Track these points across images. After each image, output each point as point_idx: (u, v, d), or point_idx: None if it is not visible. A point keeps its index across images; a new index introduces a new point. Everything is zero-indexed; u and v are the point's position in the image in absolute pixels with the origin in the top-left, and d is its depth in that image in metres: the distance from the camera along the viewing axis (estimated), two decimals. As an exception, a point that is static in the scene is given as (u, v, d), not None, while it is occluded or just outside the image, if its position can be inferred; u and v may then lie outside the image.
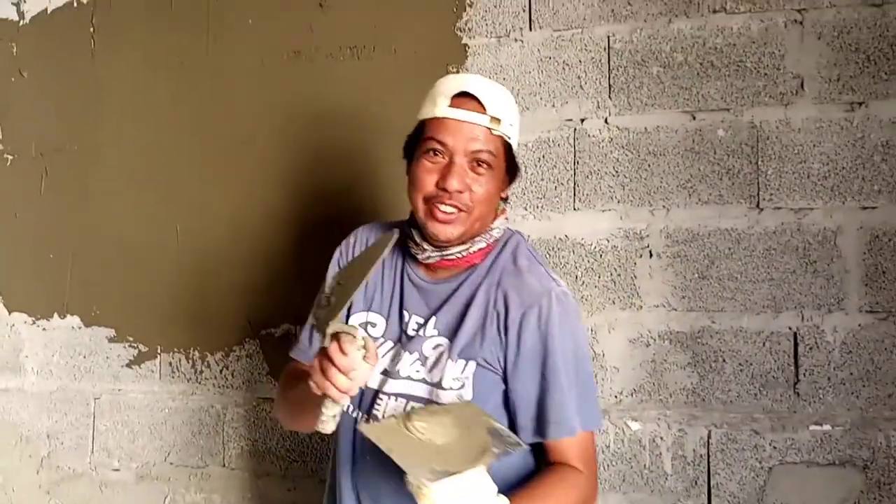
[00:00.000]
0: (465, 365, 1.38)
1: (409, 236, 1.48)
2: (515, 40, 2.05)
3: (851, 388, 1.82)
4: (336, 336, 1.19)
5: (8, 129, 2.51)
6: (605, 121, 1.98)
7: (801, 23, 1.86)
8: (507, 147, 1.43)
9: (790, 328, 1.86)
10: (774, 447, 1.86)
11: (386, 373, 1.43)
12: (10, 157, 2.50)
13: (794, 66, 1.87)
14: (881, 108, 1.82)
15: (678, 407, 1.92)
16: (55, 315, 2.44)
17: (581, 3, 2.00)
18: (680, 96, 1.94)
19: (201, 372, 2.30)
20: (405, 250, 1.50)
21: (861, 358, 1.82)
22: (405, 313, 1.48)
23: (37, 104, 2.48)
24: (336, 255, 1.61)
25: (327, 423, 1.24)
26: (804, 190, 1.86)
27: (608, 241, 1.98)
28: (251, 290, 2.26)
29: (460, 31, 2.09)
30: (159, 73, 2.35)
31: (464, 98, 1.38)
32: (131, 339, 2.36)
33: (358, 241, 1.59)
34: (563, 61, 2.02)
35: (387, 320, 1.49)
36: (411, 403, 1.39)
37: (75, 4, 2.44)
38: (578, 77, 2.00)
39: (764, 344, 1.87)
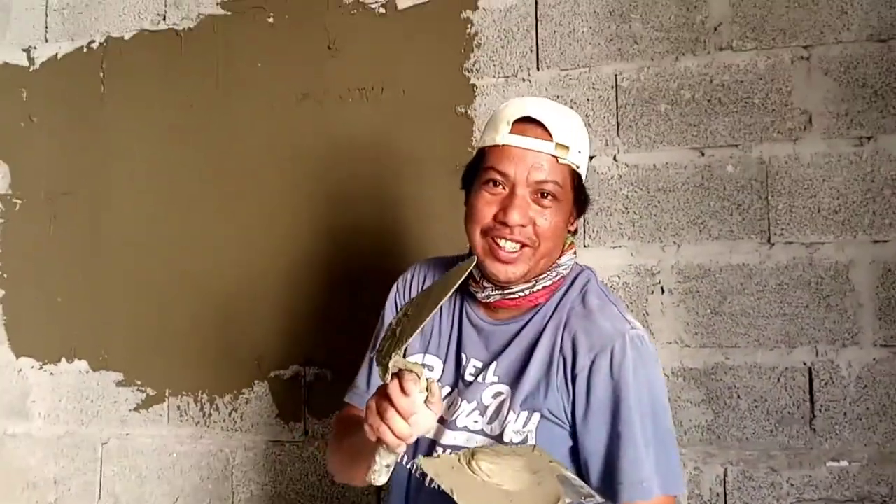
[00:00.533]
0: (529, 417, 1.25)
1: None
2: (523, 80, 2.06)
3: (868, 424, 1.80)
4: (397, 374, 1.09)
5: (18, 173, 2.51)
6: (614, 158, 1.99)
7: (807, 59, 1.88)
8: (576, 176, 1.31)
9: (805, 363, 1.85)
10: (792, 484, 1.83)
11: (442, 421, 1.31)
12: (19, 202, 2.50)
13: (801, 101, 1.88)
14: (890, 143, 1.82)
15: (693, 444, 1.89)
16: (63, 359, 2.42)
17: (588, 43, 2.02)
18: (688, 133, 1.94)
19: (210, 415, 2.28)
20: (464, 288, 1.38)
21: (877, 392, 1.81)
22: (463, 356, 1.36)
23: (46, 148, 2.49)
24: (392, 292, 1.52)
25: (379, 473, 1.15)
26: (815, 224, 1.86)
27: (619, 277, 1.97)
28: (260, 331, 2.25)
29: (468, 71, 2.11)
30: (169, 116, 2.37)
31: (527, 124, 1.27)
32: (139, 382, 2.35)
33: (415, 277, 1.51)
34: (571, 100, 2.03)
35: (444, 364, 1.39)
36: None
37: (85, 50, 2.46)
38: (587, 115, 2.01)
39: (779, 380, 1.86)
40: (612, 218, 1.99)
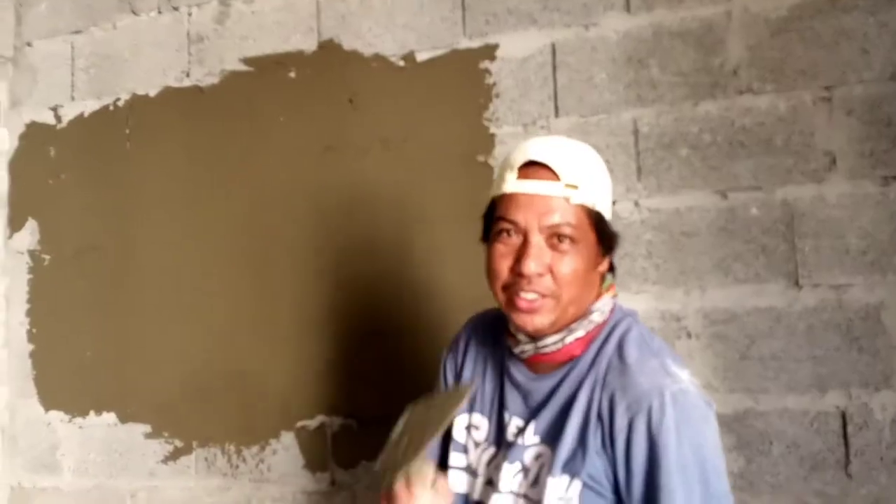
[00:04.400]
0: (570, 482, 1.16)
1: (506, 327, 1.33)
2: (542, 128, 2.07)
3: (905, 469, 1.77)
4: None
5: (46, 229, 2.56)
6: (636, 203, 1.98)
7: (828, 100, 1.86)
8: (593, 215, 1.23)
9: (837, 407, 1.81)
10: (828, 533, 1.79)
11: (490, 483, 1.28)
12: (47, 257, 2.54)
13: (824, 142, 1.86)
14: (916, 182, 1.80)
15: (726, 492, 1.86)
16: (91, 412, 2.44)
17: (606, 90, 2.02)
18: (710, 176, 1.93)
19: (237, 466, 2.28)
20: (505, 344, 1.35)
21: (913, 436, 1.77)
22: (505, 414, 1.31)
23: (74, 205, 2.53)
24: (444, 353, 1.51)
25: None
26: (843, 266, 1.83)
27: (645, 322, 1.94)
28: (285, 382, 2.25)
29: (487, 120, 2.12)
30: (194, 171, 2.40)
31: (533, 167, 1.21)
32: (167, 434, 2.36)
33: (462, 337, 1.49)
34: (591, 146, 2.01)
35: (489, 422, 1.34)
36: None
37: (111, 107, 2.51)
38: (607, 161, 1.95)
39: (811, 424, 1.82)
40: (635, 263, 1.97)
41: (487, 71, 2.12)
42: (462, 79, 2.14)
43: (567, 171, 1.20)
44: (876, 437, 1.78)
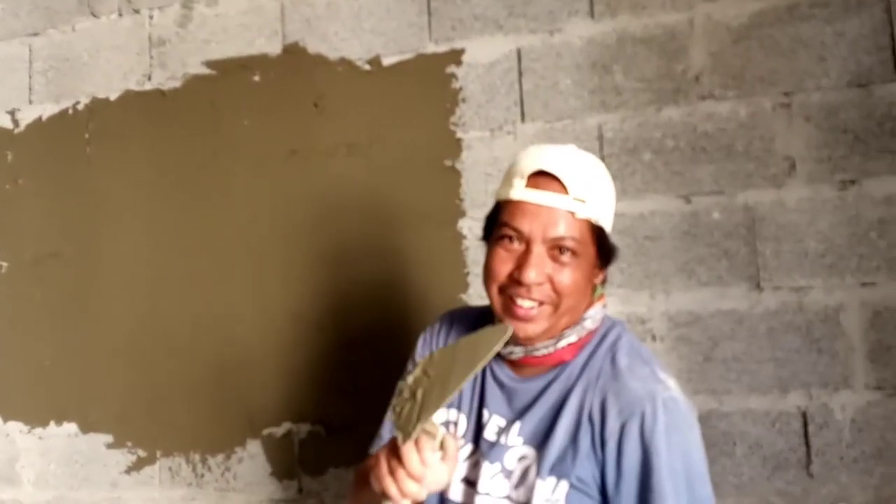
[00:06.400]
0: (557, 484, 1.18)
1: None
2: (508, 133, 2.08)
3: (864, 467, 1.80)
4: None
5: (3, 236, 2.50)
6: (601, 207, 2.00)
7: (788, 106, 1.90)
8: (596, 230, 1.24)
9: (798, 407, 1.85)
10: (791, 531, 1.82)
11: (468, 482, 1.28)
12: (4, 264, 2.49)
13: (784, 147, 1.90)
14: (873, 186, 1.84)
15: (691, 493, 1.88)
16: (52, 423, 2.39)
17: (571, 96, 2.04)
18: (673, 181, 1.96)
19: (202, 475, 2.25)
20: None
21: (872, 436, 1.80)
22: (485, 412, 1.31)
23: (32, 210, 2.48)
24: (419, 342, 1.48)
25: None
26: (803, 269, 1.87)
27: (611, 326, 1.97)
28: (251, 388, 2.23)
29: (454, 125, 2.12)
30: (156, 176, 2.37)
31: (543, 177, 1.21)
32: (130, 444, 2.32)
33: (443, 327, 1.47)
34: (557, 151, 2.04)
35: (467, 419, 1.33)
36: None
37: (70, 111, 2.46)
38: (572, 165, 2.02)
39: (773, 425, 1.86)
40: (601, 267, 1.99)
41: (454, 76, 2.13)
42: (428, 83, 2.15)
43: (576, 184, 1.21)
44: (836, 437, 1.82)
